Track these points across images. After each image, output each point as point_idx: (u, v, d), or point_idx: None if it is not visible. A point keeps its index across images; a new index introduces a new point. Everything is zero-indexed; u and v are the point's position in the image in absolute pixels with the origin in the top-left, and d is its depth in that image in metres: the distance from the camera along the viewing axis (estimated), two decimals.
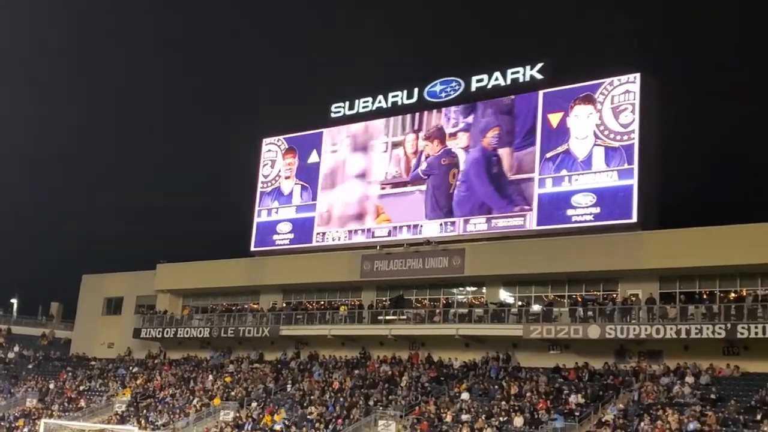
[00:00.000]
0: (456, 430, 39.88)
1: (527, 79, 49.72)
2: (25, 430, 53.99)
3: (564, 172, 46.78)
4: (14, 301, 79.43)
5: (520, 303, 46.95)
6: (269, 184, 59.99)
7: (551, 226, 46.52)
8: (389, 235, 52.67)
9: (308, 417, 45.56)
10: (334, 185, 56.70)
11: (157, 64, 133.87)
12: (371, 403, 45.45)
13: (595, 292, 45.30)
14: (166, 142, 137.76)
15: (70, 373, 63.34)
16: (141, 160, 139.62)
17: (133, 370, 60.51)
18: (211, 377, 55.26)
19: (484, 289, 49.22)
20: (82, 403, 56.65)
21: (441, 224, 50.57)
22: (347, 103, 57.10)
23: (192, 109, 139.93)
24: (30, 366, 67.26)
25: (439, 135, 52.34)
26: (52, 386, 61.40)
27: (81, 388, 59.76)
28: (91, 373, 62.46)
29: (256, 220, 59.87)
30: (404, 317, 49.96)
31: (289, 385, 51.01)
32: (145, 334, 60.83)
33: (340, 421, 44.21)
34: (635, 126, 45.12)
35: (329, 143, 57.65)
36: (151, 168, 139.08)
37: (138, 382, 57.89)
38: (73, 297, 70.16)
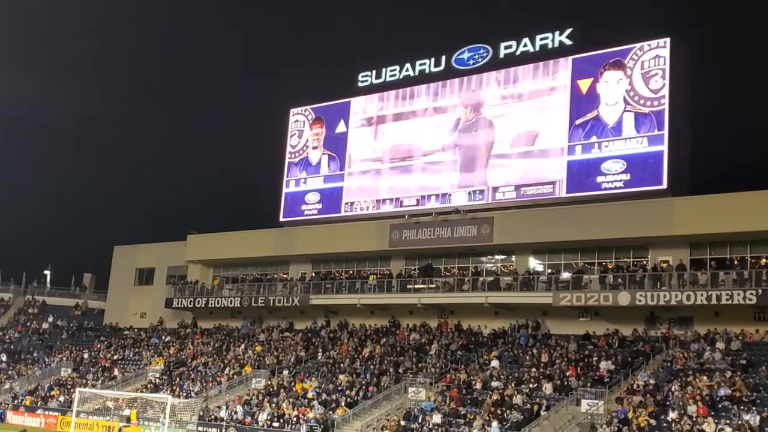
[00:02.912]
0: (486, 397, 40.13)
1: (556, 45, 49.29)
2: (61, 399, 55.00)
3: (594, 138, 46.49)
4: (47, 272, 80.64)
5: (549, 271, 46.90)
6: (297, 154, 60.11)
7: (581, 193, 46.34)
8: (418, 204, 52.69)
9: (339, 385, 46.06)
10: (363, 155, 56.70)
11: (185, 36, 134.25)
12: (401, 370, 45.81)
13: (625, 259, 45.19)
14: (195, 114, 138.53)
15: (103, 343, 64.31)
16: (170, 133, 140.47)
17: (166, 340, 61.33)
18: (242, 346, 55.90)
19: (513, 257, 49.21)
20: (116, 372, 57.55)
21: (470, 193, 50.51)
22: (374, 72, 56.86)
23: (221, 81, 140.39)
24: (64, 336, 68.38)
25: (472, 102, 52.09)
26: (86, 356, 62.41)
27: (115, 357, 60.70)
28: (125, 342, 63.40)
29: (284, 190, 60.08)
30: (433, 286, 50.12)
31: (319, 354, 51.50)
32: (177, 304, 61.54)
33: (371, 388, 44.63)
34: (665, 91, 44.68)
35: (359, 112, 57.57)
36: (181, 141, 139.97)
37: (171, 351, 58.67)
38: (106, 268, 71.18)
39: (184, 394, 50.10)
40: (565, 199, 46.87)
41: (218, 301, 59.48)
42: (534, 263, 48.36)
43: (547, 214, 46.77)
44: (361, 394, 44.44)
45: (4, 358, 64.52)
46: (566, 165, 47.05)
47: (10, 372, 62.46)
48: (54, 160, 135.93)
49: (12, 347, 66.61)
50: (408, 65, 55.16)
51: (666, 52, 45.17)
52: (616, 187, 45.33)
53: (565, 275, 45.71)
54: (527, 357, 43.37)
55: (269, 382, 49.48)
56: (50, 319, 71.29)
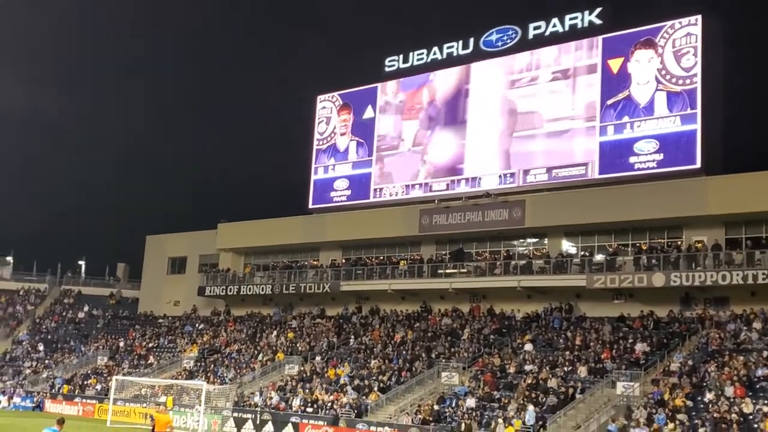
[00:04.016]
0: (520, 381, 40.00)
1: (586, 24, 48.70)
2: (98, 387, 55.67)
3: (626, 118, 45.95)
4: (82, 262, 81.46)
5: (582, 253, 46.50)
6: (325, 141, 60.07)
7: (613, 174, 45.86)
8: (447, 188, 52.44)
9: (371, 370, 46.12)
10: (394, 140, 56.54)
11: (213, 23, 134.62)
12: (433, 355, 45.78)
13: (660, 240, 44.69)
14: (223, 102, 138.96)
15: (138, 331, 64.97)
16: (199, 122, 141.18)
17: (200, 327, 61.78)
18: (274, 333, 56.18)
19: (545, 240, 48.86)
20: (152, 359, 58.11)
21: (500, 176, 50.17)
22: (401, 56, 56.58)
23: (247, 68, 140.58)
24: (99, 325, 69.14)
25: (499, 83, 51.70)
26: (121, 344, 63.08)
27: (150, 345, 61.29)
28: (159, 330, 63.96)
29: (313, 177, 60.09)
30: (464, 270, 49.91)
31: (351, 339, 51.60)
32: (210, 292, 61.93)
33: (404, 373, 44.65)
34: (698, 69, 44.04)
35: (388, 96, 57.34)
36: (209, 130, 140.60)
37: (204, 338, 59.11)
38: (139, 257, 71.75)
39: (219, 380, 50.48)
40: (597, 181, 46.42)
41: (250, 288, 59.74)
42: (567, 246, 47.99)
43: (579, 195, 46.36)
44: (393, 379, 44.47)
45: (41, 348, 65.39)
46: (598, 146, 46.57)
47: (47, 361, 63.30)
48: (85, 155, 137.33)
49: (49, 337, 67.49)
50: (435, 48, 54.81)
51: (698, 30, 44.49)
52: (649, 168, 44.81)
53: (599, 257, 45.31)
54: (561, 340, 43.12)
55: (302, 368, 49.71)
56: (86, 308, 72.08)
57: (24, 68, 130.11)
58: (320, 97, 61.14)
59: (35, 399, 55.34)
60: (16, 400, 54.65)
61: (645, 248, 44.47)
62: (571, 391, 37.39)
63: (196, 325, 62.54)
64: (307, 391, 45.95)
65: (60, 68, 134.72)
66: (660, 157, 44.44)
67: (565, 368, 40.09)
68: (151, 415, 23.83)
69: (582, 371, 39.33)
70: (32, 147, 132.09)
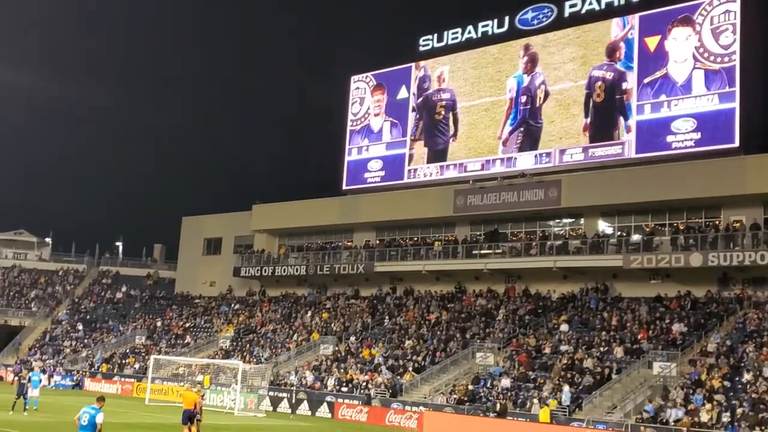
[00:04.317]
0: (555, 362, 39.91)
1: (622, 2, 48.06)
2: (136, 366, 56.47)
3: (663, 97, 45.39)
4: (119, 244, 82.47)
5: (619, 233, 46.17)
6: (359, 122, 60.04)
7: (651, 153, 45.38)
8: (482, 168, 52.21)
9: (406, 350, 46.28)
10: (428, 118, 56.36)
11: (245, 5, 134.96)
12: (468, 336, 45.81)
13: (697, 220, 44.23)
14: (255, 84, 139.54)
15: (175, 311, 65.72)
16: (233, 105, 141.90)
17: (235, 308, 62.34)
18: (309, 313, 56.51)
19: (581, 220, 48.54)
20: (188, 339, 58.79)
21: (536, 156, 49.85)
22: (435, 35, 56.32)
23: (280, 49, 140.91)
24: (137, 305, 70.03)
25: (533, 62, 51.30)
26: (159, 324, 63.87)
27: (186, 325, 61.99)
28: (196, 310, 64.65)
29: (346, 158, 60.13)
30: (499, 251, 49.78)
31: (386, 320, 51.77)
32: (245, 272, 62.40)
33: (438, 353, 44.75)
34: (736, 47, 43.35)
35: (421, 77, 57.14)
36: (243, 112, 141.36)
37: (240, 318, 59.64)
38: (175, 238, 72.55)
39: (255, 360, 50.95)
40: (634, 160, 45.98)
41: (284, 269, 60.08)
42: (603, 226, 47.64)
43: (616, 175, 45.96)
44: (428, 359, 44.60)
45: (80, 328, 66.41)
46: (635, 125, 46.09)
47: (86, 341, 64.29)
48: (123, 140, 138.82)
49: (88, 317, 68.50)
50: (470, 27, 54.44)
51: (736, 6, 43.77)
52: (686, 147, 44.29)
53: (636, 237, 44.97)
54: (597, 320, 42.93)
55: (337, 348, 50.01)
56: (123, 288, 73.03)
57: (78, 66, 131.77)
58: (354, 78, 61.06)
59: (75, 378, 56.28)
60: (57, 378, 55.56)
61: (682, 228, 44.03)
62: (607, 371, 37.26)
63: (232, 305, 63.10)
64: (341, 370, 46.26)
65: (109, 66, 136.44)
66: (698, 135, 43.89)
67: (601, 348, 39.95)
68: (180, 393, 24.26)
69: (618, 351, 39.16)
70: (74, 134, 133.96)
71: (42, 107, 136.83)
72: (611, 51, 47.78)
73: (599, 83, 47.75)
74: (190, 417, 24.09)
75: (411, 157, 56.16)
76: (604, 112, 47.51)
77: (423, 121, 56.07)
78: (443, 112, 55.11)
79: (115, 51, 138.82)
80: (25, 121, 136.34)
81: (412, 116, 56.86)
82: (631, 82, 46.66)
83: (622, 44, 47.51)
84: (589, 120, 47.99)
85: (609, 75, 47.60)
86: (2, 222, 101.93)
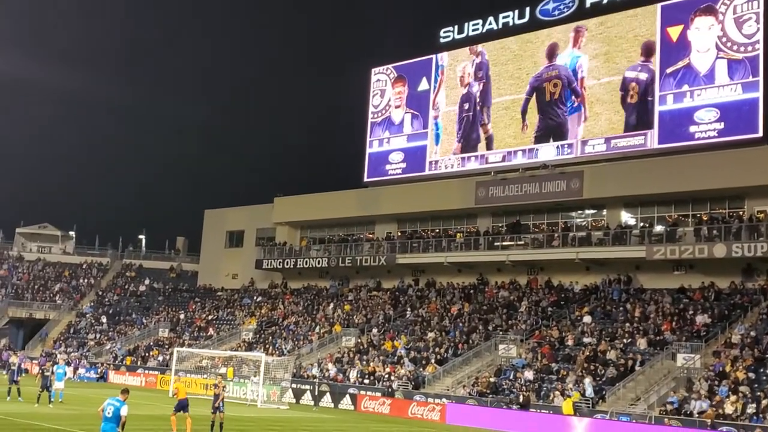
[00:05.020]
0: (578, 353, 39.78)
1: None
2: (159, 358, 56.86)
3: (685, 87, 45.01)
4: (142, 237, 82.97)
5: (642, 224, 45.88)
6: (379, 114, 60.01)
7: (673, 144, 45.04)
8: (503, 160, 52.03)
9: (428, 342, 46.29)
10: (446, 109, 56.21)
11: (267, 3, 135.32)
12: (491, 327, 45.76)
13: (721, 210, 43.84)
14: (276, 77, 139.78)
15: (198, 304, 66.10)
16: (254, 97, 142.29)
17: (257, 300, 62.60)
18: (331, 305, 56.65)
19: (604, 212, 48.28)
20: (211, 331, 59.12)
21: (558, 147, 49.60)
22: (456, 27, 56.10)
23: (302, 43, 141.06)
24: (160, 298, 70.49)
25: (552, 52, 50.97)
26: (182, 316, 64.28)
27: (209, 317, 62.32)
28: (218, 303, 64.98)
29: (367, 150, 60.12)
30: (522, 242, 49.64)
31: (408, 312, 51.79)
32: (267, 265, 62.60)
33: (461, 345, 44.73)
34: (760, 36, 42.90)
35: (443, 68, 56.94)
36: (265, 105, 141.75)
37: (262, 311, 59.90)
38: (197, 231, 72.86)
39: (277, 352, 51.17)
40: (657, 150, 45.66)
41: (306, 261, 60.22)
42: (626, 217, 47.38)
43: (638, 166, 45.66)
44: (450, 351, 44.60)
45: (104, 320, 66.96)
46: (658, 115, 45.74)
47: (110, 333, 64.82)
48: (146, 134, 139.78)
49: (111, 310, 69.02)
50: (491, 18, 54.22)
51: None
52: (709, 137, 43.92)
53: (659, 228, 44.67)
54: (620, 312, 42.73)
55: (359, 340, 50.12)
56: (147, 281, 73.52)
57: (101, 61, 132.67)
58: (374, 70, 61.02)
59: (99, 370, 56.77)
60: (81, 371, 56.06)
61: (706, 219, 43.70)
62: (630, 363, 37.11)
63: (254, 297, 63.37)
64: (364, 362, 46.36)
65: (131, 60, 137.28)
66: (721, 126, 43.50)
67: (625, 340, 39.77)
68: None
69: (641, 343, 38.97)
70: (97, 128, 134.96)
71: (66, 102, 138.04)
72: (648, 50, 47.09)
73: (633, 84, 47.13)
74: (183, 406, 24.88)
75: (432, 148, 55.99)
76: (638, 111, 46.92)
77: (456, 113, 55.53)
78: (470, 104, 54.79)
79: (137, 45, 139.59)
80: (49, 117, 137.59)
81: (432, 107, 56.63)
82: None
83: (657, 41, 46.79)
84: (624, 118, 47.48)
85: (643, 76, 46.88)
86: (26, 216, 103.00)
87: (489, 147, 53.14)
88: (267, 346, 52.84)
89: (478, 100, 54.32)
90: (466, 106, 54.91)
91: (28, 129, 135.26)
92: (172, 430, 24.12)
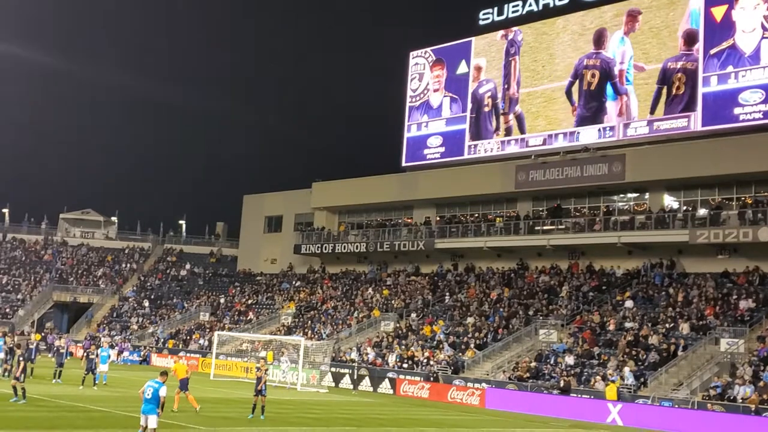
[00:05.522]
0: (620, 338, 39.38)
1: None
2: (200, 341, 57.40)
3: (730, 68, 44.11)
4: (182, 222, 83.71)
5: (685, 207, 45.20)
6: (418, 98, 59.72)
7: (717, 126, 44.21)
8: (544, 143, 51.52)
9: (467, 327, 46.16)
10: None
11: None
12: (531, 312, 45.47)
13: (765, 193, 42.99)
14: (313, 62, 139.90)
15: (238, 288, 66.60)
16: (292, 83, 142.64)
17: (296, 285, 62.88)
18: (369, 290, 56.70)
19: (646, 195, 47.60)
20: (251, 315, 59.54)
21: (599, 129, 48.98)
22: (495, 9, 55.55)
23: (339, 27, 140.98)
24: (201, 282, 71.13)
25: (596, 37, 50.23)
26: (222, 301, 64.81)
27: (249, 302, 62.76)
28: (258, 287, 65.39)
29: (405, 135, 59.90)
30: (563, 227, 49.19)
31: (446, 297, 51.66)
32: (305, 250, 62.82)
33: (500, 330, 44.52)
34: None
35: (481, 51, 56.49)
36: (302, 90, 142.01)
37: (301, 295, 60.15)
38: (236, 216, 73.39)
39: (316, 336, 51.38)
40: (700, 133, 44.87)
41: (344, 246, 60.32)
42: (669, 200, 46.68)
43: (681, 148, 44.94)
44: (490, 336, 44.42)
45: (146, 304, 67.76)
46: (701, 97, 44.91)
47: (152, 317, 65.58)
48: (185, 122, 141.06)
49: (153, 294, 69.82)
50: (531, 0, 53.61)
51: None
52: (754, 119, 43.02)
53: (702, 212, 43.98)
54: (662, 297, 42.20)
55: (398, 325, 50.11)
56: (187, 266, 74.22)
57: (146, 57, 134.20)
58: (413, 53, 60.71)
59: (142, 353, 57.45)
60: (125, 354, 56.77)
61: (750, 202, 42.89)
62: (672, 348, 36.64)
63: (293, 282, 63.66)
64: (402, 347, 46.35)
65: (170, 57, 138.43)
66: (766, 107, 42.59)
67: (667, 325, 39.29)
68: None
69: (684, 328, 38.46)
70: (138, 118, 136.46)
71: (114, 95, 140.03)
72: (690, 36, 46.23)
73: (678, 74, 46.28)
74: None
75: (471, 132, 55.63)
76: (681, 95, 46.08)
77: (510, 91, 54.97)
78: (508, 88, 54.35)
79: (182, 44, 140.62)
80: (94, 107, 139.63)
81: (471, 91, 56.22)
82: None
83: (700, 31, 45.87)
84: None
85: (690, 65, 46.02)
86: (70, 201, 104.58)
87: (521, 131, 52.74)
88: (306, 330, 53.08)
89: (510, 82, 53.82)
90: (498, 90, 54.43)
91: (74, 119, 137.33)
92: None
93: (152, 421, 15.89)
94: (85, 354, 35.86)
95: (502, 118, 53.98)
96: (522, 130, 52.79)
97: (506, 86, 54.26)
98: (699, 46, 45.38)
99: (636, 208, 47.92)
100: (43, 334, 60.83)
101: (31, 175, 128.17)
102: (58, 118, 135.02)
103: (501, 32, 55.16)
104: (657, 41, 47.48)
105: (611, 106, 48.71)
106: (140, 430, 16.10)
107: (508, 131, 53.63)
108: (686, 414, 31.91)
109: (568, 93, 50.81)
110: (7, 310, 66.18)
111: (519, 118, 53.14)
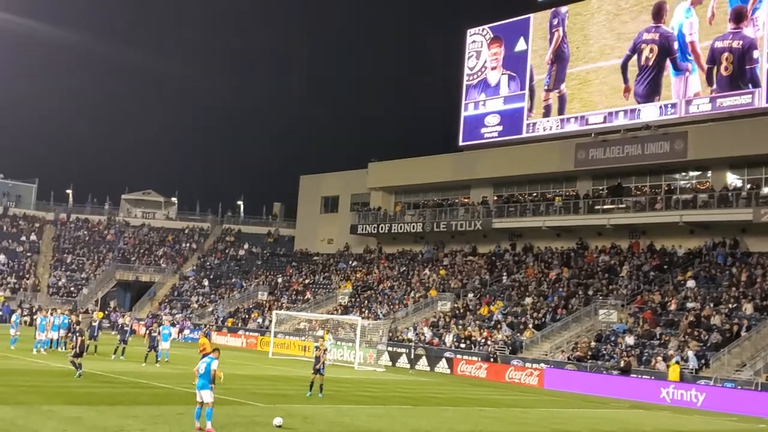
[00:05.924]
0: (681, 318, 38.67)
1: None
2: (259, 320, 58.02)
3: None
4: (240, 203, 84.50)
5: (749, 186, 44.07)
6: (475, 76, 59.13)
7: None
8: (604, 121, 50.62)
9: (525, 307, 45.80)
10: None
11: None
12: (590, 292, 44.91)
13: None
14: (369, 41, 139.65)
15: (295, 268, 67.09)
16: (348, 64, 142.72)
17: (353, 264, 63.08)
18: (426, 270, 56.58)
19: (709, 173, 46.57)
20: (308, 295, 59.94)
21: (660, 107, 47.94)
22: None
23: (396, 5, 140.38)
24: (259, 262, 71.83)
25: (655, 11, 49.11)
26: (279, 280, 65.36)
27: (306, 281, 63.18)
28: (315, 267, 65.78)
29: (462, 114, 59.42)
30: (623, 206, 48.38)
31: (504, 277, 51.30)
32: (362, 230, 62.92)
33: (559, 310, 44.09)
34: None
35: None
36: (358, 70, 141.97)
37: (358, 275, 60.32)
38: (294, 197, 73.78)
39: (373, 316, 51.49)
40: (765, 109, 43.60)
41: (401, 226, 60.25)
42: (732, 178, 45.59)
43: (746, 125, 43.78)
44: (548, 316, 44.01)
45: (206, 283, 68.68)
46: (766, 73, 43.60)
47: (212, 296, 66.47)
48: (244, 104, 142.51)
49: (213, 273, 70.74)
50: None
51: None
52: None
53: (767, 190, 42.79)
54: (725, 276, 41.30)
55: (455, 305, 49.95)
56: (245, 246, 74.98)
57: (201, 45, 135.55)
58: (470, 31, 60.08)
59: (202, 331, 58.18)
60: (186, 332, 57.61)
61: None
62: (735, 328, 35.89)
63: (350, 262, 63.86)
64: (459, 327, 46.20)
65: (226, 49, 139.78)
66: None
67: (730, 305, 38.47)
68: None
69: (747, 308, 37.61)
70: (198, 103, 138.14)
71: (171, 83, 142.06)
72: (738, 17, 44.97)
73: (726, 54, 45.09)
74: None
75: (530, 110, 54.97)
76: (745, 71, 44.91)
77: (555, 71, 54.29)
78: (570, 62, 53.48)
79: (220, 26, 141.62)
80: (157, 94, 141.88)
81: (530, 69, 55.48)
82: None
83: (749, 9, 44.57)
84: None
85: (737, 44, 44.79)
86: (132, 182, 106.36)
87: (561, 111, 52.26)
88: (362, 309, 53.25)
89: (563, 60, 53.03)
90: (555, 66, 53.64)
91: (132, 105, 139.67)
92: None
93: (207, 395, 16.11)
94: (147, 332, 36.45)
95: (551, 95, 53.10)
96: (569, 110, 51.91)
97: (553, 63, 53.26)
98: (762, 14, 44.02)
99: (698, 186, 46.88)
100: (106, 312, 62.06)
101: (94, 157, 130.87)
102: (119, 105, 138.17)
103: (560, 8, 54.24)
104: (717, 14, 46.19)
105: (672, 82, 47.60)
106: (197, 405, 16.33)
107: (548, 110, 52.79)
108: (749, 396, 31.23)
109: (624, 67, 49.80)
110: (72, 288, 67.74)
111: (562, 99, 52.21)
